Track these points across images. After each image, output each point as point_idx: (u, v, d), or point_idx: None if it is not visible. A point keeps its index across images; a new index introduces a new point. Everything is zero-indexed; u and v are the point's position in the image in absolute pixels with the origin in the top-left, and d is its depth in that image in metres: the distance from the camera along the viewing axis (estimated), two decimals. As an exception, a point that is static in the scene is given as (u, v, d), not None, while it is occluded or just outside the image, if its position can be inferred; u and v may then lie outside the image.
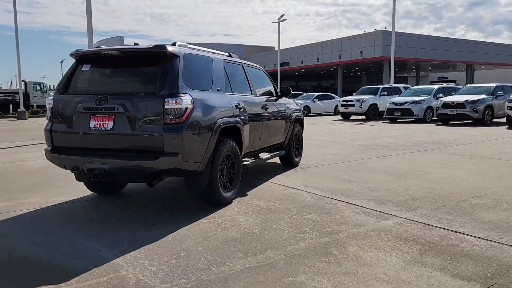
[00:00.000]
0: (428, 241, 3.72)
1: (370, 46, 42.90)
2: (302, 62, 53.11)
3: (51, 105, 4.69)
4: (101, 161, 4.26)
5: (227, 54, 5.78)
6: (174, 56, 4.39)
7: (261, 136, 5.99)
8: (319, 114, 27.90)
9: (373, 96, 22.51)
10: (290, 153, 7.22)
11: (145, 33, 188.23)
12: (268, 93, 6.74)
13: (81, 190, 5.57)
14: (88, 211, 4.89)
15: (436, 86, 21.05)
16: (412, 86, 25.72)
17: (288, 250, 3.54)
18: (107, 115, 4.33)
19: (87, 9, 12.74)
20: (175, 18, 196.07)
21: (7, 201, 5.26)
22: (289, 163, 7.32)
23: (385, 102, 21.36)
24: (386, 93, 22.58)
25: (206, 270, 3.16)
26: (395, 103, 20.12)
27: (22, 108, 25.82)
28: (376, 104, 22.24)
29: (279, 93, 6.88)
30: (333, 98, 28.73)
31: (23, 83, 29.42)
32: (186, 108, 4.22)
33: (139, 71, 4.57)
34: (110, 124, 4.32)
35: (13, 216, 4.62)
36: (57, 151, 4.60)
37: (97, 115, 4.37)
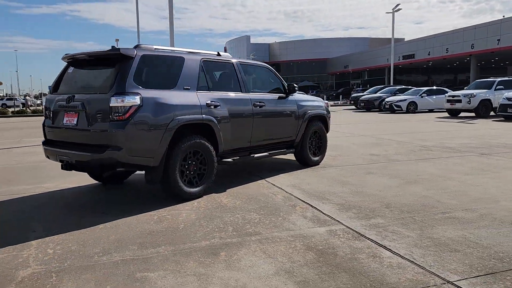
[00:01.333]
0: (333, 253, 3.43)
1: (510, 33, 37.69)
2: (429, 54, 49.18)
3: (44, 103, 5.40)
4: (67, 153, 4.80)
5: (216, 53, 5.89)
6: (127, 57, 4.69)
7: (254, 133, 5.97)
8: (431, 111, 25.70)
9: (486, 90, 19.96)
10: (303, 152, 7.01)
11: (279, 30, 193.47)
12: (271, 91, 6.65)
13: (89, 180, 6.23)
14: (71, 198, 5.50)
15: None
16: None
17: (182, 247, 3.60)
18: (73, 112, 4.85)
19: (169, 15, 13.85)
20: (308, 14, 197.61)
21: (29, 185, 6.19)
22: (303, 161, 7.12)
23: (501, 98, 18.75)
24: (503, 86, 19.83)
25: (89, 258, 3.41)
26: (509, 99, 17.59)
27: None
28: (489, 100, 19.69)
29: (287, 90, 6.72)
30: (446, 92, 26.17)
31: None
32: (131, 106, 4.50)
33: (101, 72, 4.99)
34: (74, 121, 4.83)
35: (22, 196, 5.45)
36: (47, 143, 5.28)
37: (67, 112, 4.93)
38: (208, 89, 5.47)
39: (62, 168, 5.02)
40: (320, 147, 7.45)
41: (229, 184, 5.97)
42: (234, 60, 6.02)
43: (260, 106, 6.09)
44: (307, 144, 7.07)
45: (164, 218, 4.43)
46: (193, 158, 5.17)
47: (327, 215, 4.43)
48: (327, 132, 7.64)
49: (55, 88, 5.39)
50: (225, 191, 5.59)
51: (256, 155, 6.13)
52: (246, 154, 6.04)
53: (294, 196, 5.22)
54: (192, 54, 5.49)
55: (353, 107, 31.86)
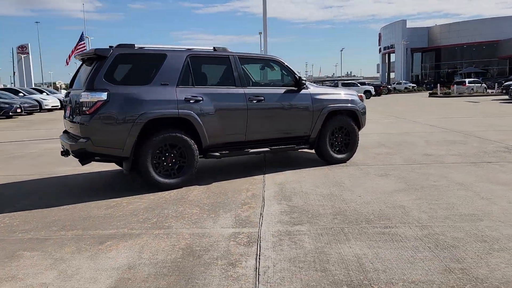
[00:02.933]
0: (199, 255, 3.32)
1: None
2: None
3: (63, 98, 6.26)
4: (64, 143, 5.52)
5: (212, 48, 5.95)
6: (102, 57, 5.14)
7: (250, 128, 5.89)
8: None
9: None
10: (321, 148, 6.59)
11: (452, 11, 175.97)
12: (282, 84, 6.42)
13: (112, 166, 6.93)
14: (71, 182, 6.22)
15: None
16: None
17: (88, 233, 3.90)
18: (69, 106, 5.55)
19: (263, 9, 14.13)
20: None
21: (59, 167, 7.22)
22: (324, 159, 6.69)
23: None
24: None
25: (11, 232, 3.98)
26: None
27: None
28: None
29: (303, 84, 6.37)
30: None
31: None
32: (97, 102, 4.96)
33: (87, 70, 5.53)
34: (68, 113, 5.52)
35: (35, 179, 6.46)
36: (62, 133, 6.13)
37: (66, 106, 5.66)
38: (193, 84, 5.59)
39: (60, 155, 5.78)
40: (348, 144, 6.87)
41: (225, 177, 6.02)
42: (231, 55, 5.98)
43: (258, 101, 5.95)
44: (327, 140, 6.61)
45: (118, 206, 4.77)
46: (170, 151, 5.39)
47: (259, 217, 4.20)
48: (360, 127, 6.99)
49: (70, 84, 6.19)
50: (210, 184, 5.67)
51: (252, 150, 6.02)
52: (241, 149, 5.98)
53: (263, 195, 5.03)
54: (178, 51, 5.66)
55: (506, 96, 27.62)
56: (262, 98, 6.00)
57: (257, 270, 3.00)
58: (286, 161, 7.17)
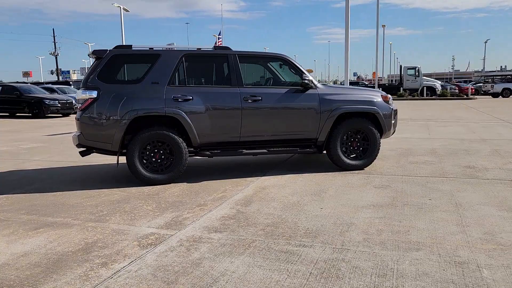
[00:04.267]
0: (90, 248, 3.46)
1: None
2: None
3: None
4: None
5: (212, 48, 5.95)
6: (98, 58, 5.56)
7: (244, 129, 5.78)
8: None
9: None
10: (332, 153, 6.12)
11: None
12: (288, 84, 6.13)
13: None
14: (79, 172, 6.78)
15: None
16: None
17: (40, 219, 4.31)
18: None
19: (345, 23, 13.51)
20: None
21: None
22: (336, 164, 6.20)
23: None
24: None
25: (-11, 212, 4.61)
26: None
27: (402, 92, 28.51)
28: None
29: (311, 84, 5.99)
30: None
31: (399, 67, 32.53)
32: (87, 99, 5.39)
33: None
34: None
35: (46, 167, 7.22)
36: None
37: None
38: (184, 83, 5.69)
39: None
40: (366, 150, 6.26)
41: (220, 176, 6.01)
42: (230, 53, 5.90)
43: (254, 101, 5.79)
44: (338, 144, 6.11)
45: (95, 197, 5.11)
46: (159, 148, 5.59)
47: (194, 220, 4.15)
48: (384, 132, 6.31)
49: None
50: (198, 182, 5.73)
51: (246, 151, 5.90)
52: (236, 149, 5.91)
53: (230, 198, 4.93)
54: (173, 50, 5.80)
55: None
56: (259, 98, 5.81)
57: (116, 273, 3.00)
58: (301, 164, 6.84)
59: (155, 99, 5.50)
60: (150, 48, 5.77)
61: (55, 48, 70.07)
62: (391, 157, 7.22)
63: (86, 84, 5.47)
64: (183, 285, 2.79)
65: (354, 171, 6.13)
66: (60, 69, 69.24)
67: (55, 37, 67.89)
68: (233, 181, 5.71)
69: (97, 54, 5.57)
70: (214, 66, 6.02)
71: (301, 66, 6.13)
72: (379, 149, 6.30)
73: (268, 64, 6.28)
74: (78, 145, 5.62)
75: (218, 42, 47.74)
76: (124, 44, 6.02)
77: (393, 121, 6.45)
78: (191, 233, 3.78)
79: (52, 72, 72.36)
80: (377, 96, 6.31)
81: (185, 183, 5.66)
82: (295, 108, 5.96)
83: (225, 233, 3.75)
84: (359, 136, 6.23)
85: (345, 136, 6.17)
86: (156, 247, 3.47)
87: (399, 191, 5.00)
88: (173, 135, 5.53)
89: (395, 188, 5.16)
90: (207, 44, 6.21)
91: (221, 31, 49.40)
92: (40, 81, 44.04)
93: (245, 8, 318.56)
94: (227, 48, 6.01)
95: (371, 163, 6.33)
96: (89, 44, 53.45)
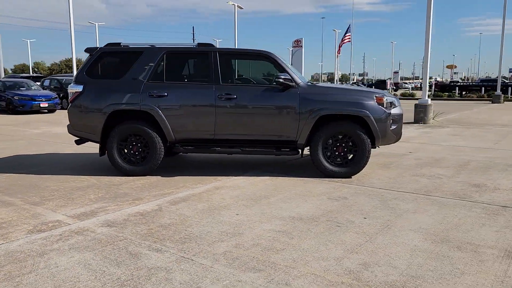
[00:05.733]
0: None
1: None
2: None
3: None
4: None
5: (195, 44, 5.99)
6: (90, 54, 6.03)
7: (218, 127, 5.75)
8: None
9: None
10: (312, 157, 5.71)
11: None
12: (265, 82, 5.87)
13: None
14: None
15: None
16: None
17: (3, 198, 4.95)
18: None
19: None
20: None
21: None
22: (319, 170, 5.77)
23: None
24: None
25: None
26: None
27: (498, 92, 25.04)
28: None
29: (288, 83, 5.64)
30: None
31: None
32: (74, 93, 5.91)
33: None
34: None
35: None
36: None
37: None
38: (163, 80, 5.85)
39: None
40: (354, 157, 5.70)
41: (197, 172, 6.05)
42: (211, 51, 5.86)
43: (228, 99, 5.70)
44: (319, 149, 5.68)
45: (70, 182, 5.59)
46: (136, 141, 5.88)
47: (106, 212, 4.32)
48: (377, 138, 5.66)
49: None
50: (169, 177, 5.85)
51: (220, 149, 5.84)
52: (210, 147, 5.89)
53: (173, 195, 4.98)
54: (156, 48, 5.97)
55: None
56: (234, 96, 5.69)
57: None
58: (295, 167, 6.50)
59: (132, 95, 5.77)
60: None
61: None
62: (403, 167, 6.43)
63: (76, 79, 5.98)
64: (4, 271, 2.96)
65: (336, 179, 5.62)
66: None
67: (194, 34, 74.74)
68: (200, 179, 5.70)
69: (89, 51, 6.04)
70: (195, 63, 6.06)
71: (285, 63, 5.81)
72: (368, 157, 5.66)
73: (253, 61, 6.08)
74: (75, 136, 6.19)
75: (346, 38, 47.08)
76: (114, 42, 6.34)
77: (393, 127, 5.73)
78: (86, 225, 3.94)
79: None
80: (368, 97, 5.67)
81: (158, 177, 5.84)
82: (271, 108, 5.69)
83: (114, 228, 3.83)
84: (346, 141, 5.69)
85: (330, 140, 5.69)
86: (38, 234, 3.70)
87: (346, 206, 4.47)
88: (148, 129, 5.75)
89: (349, 201, 4.63)
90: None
91: (351, 26, 48.38)
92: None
93: (386, 0, 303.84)
94: (210, 45, 5.99)
95: (357, 171, 5.73)
96: (217, 40, 57.15)
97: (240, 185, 5.39)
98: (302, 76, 6.39)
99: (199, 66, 6.02)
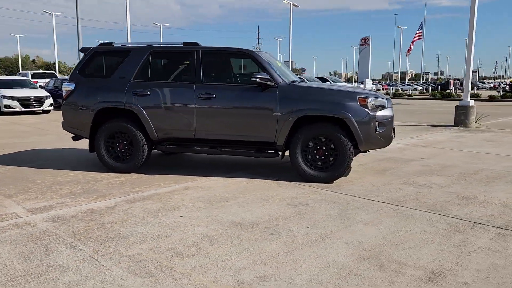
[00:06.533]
0: None
1: None
2: None
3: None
4: None
5: (180, 43, 5.99)
6: (84, 54, 6.27)
7: (198, 126, 5.71)
8: None
9: None
10: (291, 160, 5.50)
11: None
12: (244, 81, 5.72)
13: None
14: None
15: None
16: None
17: (-17, 188, 5.30)
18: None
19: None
20: None
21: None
22: (298, 173, 5.54)
23: None
24: None
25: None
26: None
27: None
28: None
29: (266, 82, 5.45)
30: None
31: None
32: (67, 91, 6.18)
33: None
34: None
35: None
36: None
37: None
38: (147, 79, 5.92)
39: None
40: (335, 161, 5.40)
41: (175, 171, 6.06)
42: (195, 49, 5.82)
43: (207, 98, 5.65)
44: (299, 151, 5.44)
45: (58, 176, 5.86)
46: (122, 139, 6.02)
47: (62, 207, 4.46)
48: (359, 143, 5.31)
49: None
50: (151, 175, 5.91)
51: (199, 149, 5.81)
52: (190, 146, 5.88)
53: (140, 193, 5.04)
54: (143, 47, 6.05)
55: None
56: (213, 95, 5.63)
57: None
58: (277, 168, 6.29)
59: (118, 93, 5.90)
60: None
61: (258, 43, 78.56)
62: (398, 174, 6.00)
63: (69, 78, 6.24)
64: None
65: (315, 184, 5.36)
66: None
67: (259, 33, 75.86)
68: (180, 178, 5.71)
69: (83, 51, 6.27)
70: (179, 63, 6.06)
71: (267, 62, 5.63)
72: (350, 161, 5.34)
73: (233, 61, 5.96)
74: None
75: (417, 35, 45.26)
76: (107, 42, 6.51)
77: (379, 130, 5.35)
78: (33, 219, 4.07)
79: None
80: (351, 98, 5.32)
81: (141, 174, 5.93)
82: (250, 108, 5.56)
83: (55, 224, 3.93)
84: (326, 144, 5.40)
85: (310, 142, 5.43)
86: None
87: (300, 213, 4.24)
88: (131, 127, 5.85)
89: (307, 209, 4.38)
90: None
91: (423, 22, 46.33)
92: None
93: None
94: (195, 44, 5.96)
95: (338, 176, 5.42)
96: (279, 39, 57.16)
97: (212, 186, 5.31)
98: (290, 74, 6.19)
99: (183, 65, 6.01)
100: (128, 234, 3.66)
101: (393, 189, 5.17)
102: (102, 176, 5.81)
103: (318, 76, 33.44)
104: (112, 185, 5.37)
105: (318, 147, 5.43)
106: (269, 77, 5.43)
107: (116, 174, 5.93)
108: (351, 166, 5.82)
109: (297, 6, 34.68)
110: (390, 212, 4.26)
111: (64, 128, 6.39)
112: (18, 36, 54.66)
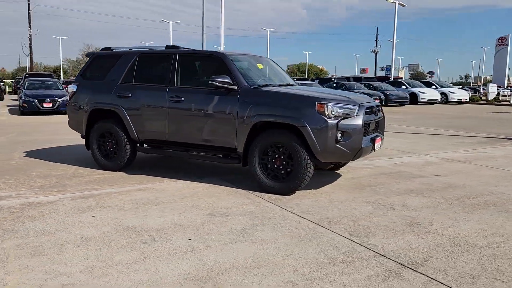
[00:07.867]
0: None
1: None
2: None
3: None
4: None
5: (164, 47, 6.09)
6: (88, 58, 6.77)
7: (170, 129, 5.77)
8: None
9: None
10: (250, 167, 5.22)
11: None
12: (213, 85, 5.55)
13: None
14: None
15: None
16: None
17: (-16, 176, 6.06)
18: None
19: None
20: None
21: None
22: (256, 181, 5.26)
23: None
24: None
25: (-8, 167, 6.71)
26: None
27: None
28: None
29: (226, 85, 5.26)
30: None
31: None
32: (71, 92, 6.74)
33: None
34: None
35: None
36: None
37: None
38: (132, 81, 6.16)
39: None
40: (291, 172, 5.00)
41: (153, 172, 6.16)
42: (173, 53, 5.88)
43: (177, 101, 5.67)
44: (256, 159, 5.15)
45: (54, 170, 6.42)
46: (110, 138, 6.37)
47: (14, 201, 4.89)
48: (315, 152, 4.83)
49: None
50: (130, 174, 6.11)
51: (170, 151, 5.88)
52: (163, 148, 5.97)
53: (95, 191, 5.28)
54: (132, 51, 6.29)
55: None
56: (182, 98, 5.65)
57: None
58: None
59: (107, 95, 6.25)
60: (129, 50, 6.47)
61: (376, 45, 75.98)
62: (376, 192, 5.29)
63: (75, 80, 6.79)
64: None
65: (268, 195, 5.02)
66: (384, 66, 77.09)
67: (378, 36, 73.76)
68: (146, 178, 5.82)
69: (88, 56, 6.78)
70: (160, 66, 6.15)
71: (233, 65, 5.43)
72: (306, 172, 4.88)
73: (205, 63, 5.86)
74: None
75: None
76: (108, 46, 6.85)
77: (343, 141, 4.80)
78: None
79: (382, 69, 79.65)
80: (308, 104, 4.86)
81: (122, 173, 6.17)
82: (211, 112, 5.43)
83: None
84: (284, 153, 5.03)
85: (269, 150, 5.11)
86: None
87: (207, 223, 4.01)
88: (115, 127, 6.15)
89: (221, 220, 4.13)
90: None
91: None
92: (372, 77, 43.99)
93: None
94: (176, 47, 6.02)
95: (294, 188, 4.99)
96: (393, 41, 54.46)
97: (167, 189, 5.31)
98: (262, 77, 5.89)
99: (162, 68, 6.09)
100: (19, 229, 3.84)
101: (346, 208, 4.58)
102: (88, 173, 6.18)
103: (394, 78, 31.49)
104: (85, 181, 5.69)
105: (276, 156, 5.07)
106: (230, 81, 5.23)
107: (103, 171, 6.27)
108: (343, 177, 5.30)
109: (404, 5, 32.59)
110: (300, 233, 3.79)
111: (69, 126, 6.96)
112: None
